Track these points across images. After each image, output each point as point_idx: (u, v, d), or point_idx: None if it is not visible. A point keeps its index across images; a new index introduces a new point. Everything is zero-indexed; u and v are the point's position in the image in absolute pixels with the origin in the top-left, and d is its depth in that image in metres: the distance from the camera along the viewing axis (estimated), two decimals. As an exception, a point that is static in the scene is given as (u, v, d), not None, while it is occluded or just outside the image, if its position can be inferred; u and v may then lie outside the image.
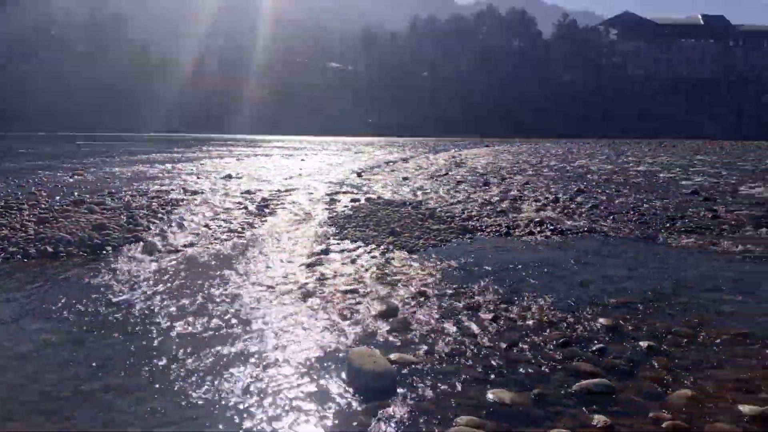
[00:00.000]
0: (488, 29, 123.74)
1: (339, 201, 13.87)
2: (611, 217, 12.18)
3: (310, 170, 24.16)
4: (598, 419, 3.50)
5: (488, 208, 13.16)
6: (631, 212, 12.74)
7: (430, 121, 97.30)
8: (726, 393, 3.99)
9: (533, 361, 4.49)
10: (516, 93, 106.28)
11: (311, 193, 15.56)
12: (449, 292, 6.37)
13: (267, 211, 12.21)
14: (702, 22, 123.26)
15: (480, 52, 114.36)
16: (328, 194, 15.16)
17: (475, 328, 5.19)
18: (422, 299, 6.07)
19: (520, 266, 7.69)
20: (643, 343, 4.85)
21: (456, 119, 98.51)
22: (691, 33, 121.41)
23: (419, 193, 15.93)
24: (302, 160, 31.87)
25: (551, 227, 10.67)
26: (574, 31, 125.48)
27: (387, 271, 7.28)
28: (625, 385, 4.07)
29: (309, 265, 7.48)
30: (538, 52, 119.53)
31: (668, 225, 11.20)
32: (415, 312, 5.64)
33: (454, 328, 5.17)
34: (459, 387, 4.01)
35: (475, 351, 4.66)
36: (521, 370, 4.31)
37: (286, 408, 3.69)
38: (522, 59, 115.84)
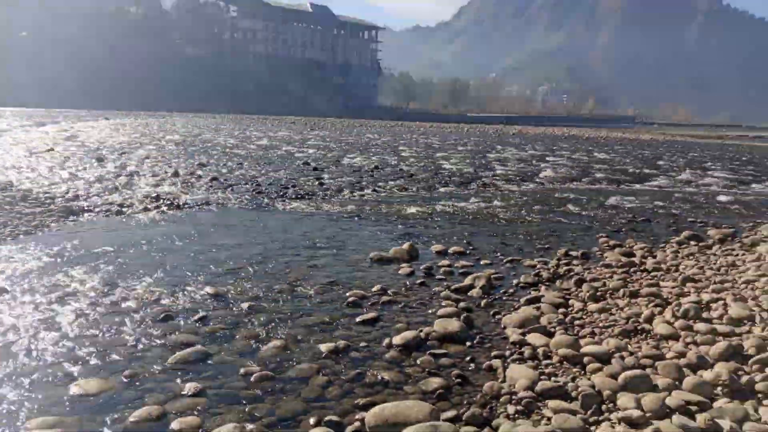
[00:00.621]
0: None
1: None
2: (231, 188, 12.51)
3: None
4: (190, 387, 3.49)
5: (100, 185, 11.97)
6: (250, 183, 13.36)
7: (33, 89, 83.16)
8: (311, 336, 4.48)
9: (131, 341, 4.22)
10: (136, 63, 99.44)
11: None
12: (39, 284, 5.50)
13: None
14: (311, 9, 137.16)
15: (92, 15, 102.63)
16: None
17: (64, 320, 4.59)
18: (-1, 297, 5.07)
19: (130, 246, 7.19)
20: (245, 305, 5.08)
21: (70, 88, 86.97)
22: (302, 18, 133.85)
23: (9, 172, 13.44)
24: None
25: (168, 202, 10.34)
26: (195, 3, 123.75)
27: (-48, 269, 5.85)
28: (222, 347, 4.17)
29: None
30: (158, 21, 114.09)
31: (282, 193, 12.13)
32: (-15, 313, 4.67)
33: (38, 324, 4.47)
34: (38, 388, 3.47)
35: (63, 344, 4.12)
36: (115, 354, 3.99)
37: None
38: (141, 27, 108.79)
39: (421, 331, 4.54)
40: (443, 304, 5.32)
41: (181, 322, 4.63)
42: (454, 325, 4.61)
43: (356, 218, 9.87)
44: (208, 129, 40.71)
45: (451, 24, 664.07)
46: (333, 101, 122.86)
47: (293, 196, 11.82)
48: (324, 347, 4.21)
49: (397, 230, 8.99)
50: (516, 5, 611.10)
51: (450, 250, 7.61)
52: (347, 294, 5.48)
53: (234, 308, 5.04)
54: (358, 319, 4.85)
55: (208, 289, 5.43)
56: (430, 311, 5.17)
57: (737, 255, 7.82)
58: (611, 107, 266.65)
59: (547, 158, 26.65)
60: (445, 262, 6.96)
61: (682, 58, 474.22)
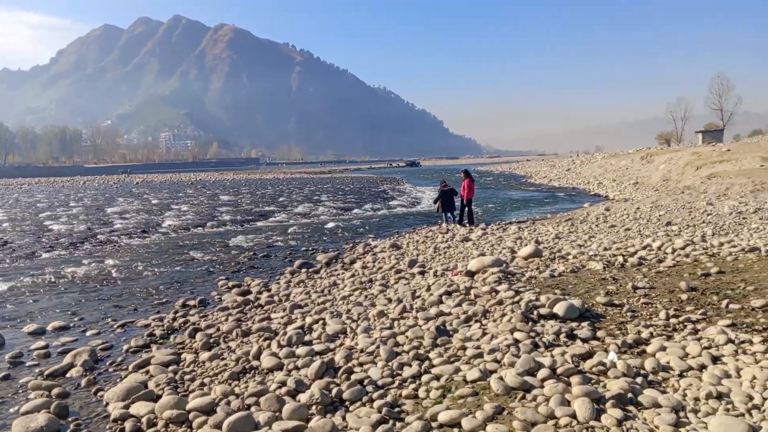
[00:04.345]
0: None
1: None
2: None
3: None
4: None
5: None
6: None
7: None
8: None
9: None
10: None
11: None
12: None
13: None
14: None
15: None
16: None
17: None
18: None
19: None
20: None
21: None
22: None
23: None
24: None
25: None
26: None
27: None
28: None
29: None
30: None
31: None
32: None
33: None
34: None
35: None
36: None
37: None
38: None
39: (-7, 441, 3.67)
40: (31, 396, 4.46)
41: None
42: (40, 420, 3.86)
43: None
44: None
45: (49, 68, 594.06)
46: None
47: None
48: None
49: (-25, 316, 7.29)
50: (121, 51, 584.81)
51: (49, 327, 6.54)
52: None
53: None
54: None
55: None
56: (12, 410, 4.25)
57: (338, 274, 8.90)
58: (236, 150, 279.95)
59: (173, 206, 26.05)
60: (41, 343, 5.91)
61: (288, 103, 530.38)
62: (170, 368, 4.84)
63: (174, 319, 6.58)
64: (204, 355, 5.07)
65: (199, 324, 6.22)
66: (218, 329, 5.92)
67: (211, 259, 11.28)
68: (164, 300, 7.82)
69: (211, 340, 5.54)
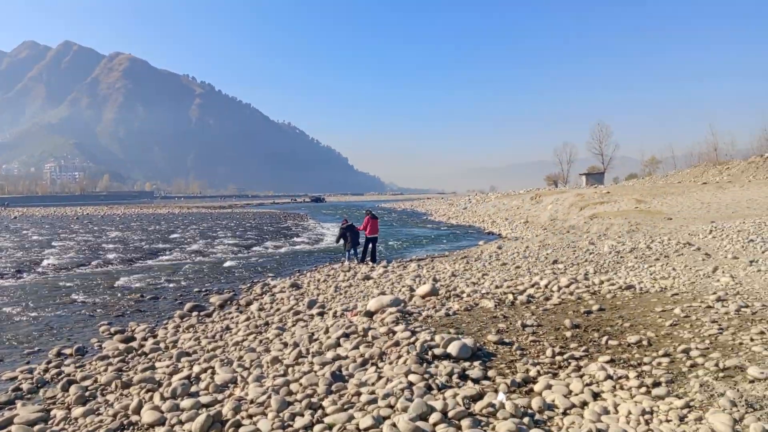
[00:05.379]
0: None
1: None
2: None
3: None
4: None
5: None
6: None
7: None
8: None
9: None
10: None
11: None
12: None
13: None
14: None
15: None
16: None
17: None
18: None
19: None
20: None
21: None
22: None
23: None
24: None
25: None
26: None
27: None
28: None
29: None
30: None
31: None
32: None
33: None
34: None
35: None
36: None
37: None
38: None
39: None
40: None
41: None
42: None
43: None
44: None
45: None
46: None
47: None
48: None
49: None
50: (2, 75, 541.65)
51: None
52: None
53: None
54: None
55: None
56: None
57: (232, 317, 8.54)
58: (129, 183, 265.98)
59: (54, 243, 24.09)
60: None
61: (188, 135, 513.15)
62: (36, 427, 4.35)
63: (46, 370, 5.98)
64: (77, 411, 4.62)
65: (74, 375, 5.68)
66: (96, 381, 5.44)
67: (93, 302, 10.46)
68: (36, 348, 7.11)
69: (87, 394, 5.07)
